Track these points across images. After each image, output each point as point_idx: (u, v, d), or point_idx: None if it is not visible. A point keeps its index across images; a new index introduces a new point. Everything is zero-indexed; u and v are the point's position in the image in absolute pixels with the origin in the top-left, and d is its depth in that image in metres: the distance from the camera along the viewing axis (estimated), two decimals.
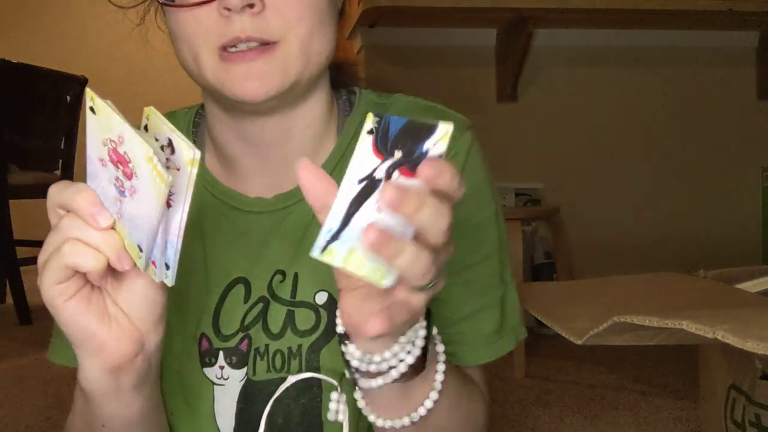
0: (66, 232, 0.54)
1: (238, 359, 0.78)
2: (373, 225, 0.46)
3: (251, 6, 0.67)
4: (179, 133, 0.50)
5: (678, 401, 2.16)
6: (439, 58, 3.10)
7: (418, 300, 0.52)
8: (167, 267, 0.53)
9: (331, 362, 0.76)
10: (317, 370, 0.76)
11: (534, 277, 3.02)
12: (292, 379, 0.78)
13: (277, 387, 0.75)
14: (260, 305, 0.79)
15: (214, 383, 0.78)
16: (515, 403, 2.17)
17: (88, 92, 0.52)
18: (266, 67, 0.69)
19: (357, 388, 0.64)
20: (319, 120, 0.80)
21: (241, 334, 0.78)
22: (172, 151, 0.50)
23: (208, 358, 0.78)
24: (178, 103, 0.75)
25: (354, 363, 0.60)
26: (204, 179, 0.81)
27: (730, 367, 1.12)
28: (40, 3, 5.02)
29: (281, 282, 0.79)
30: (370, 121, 0.49)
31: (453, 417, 0.70)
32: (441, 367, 0.64)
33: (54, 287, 0.55)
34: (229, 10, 0.67)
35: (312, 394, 0.77)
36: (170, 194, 0.51)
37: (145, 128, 0.52)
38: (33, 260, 3.37)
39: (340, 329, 0.60)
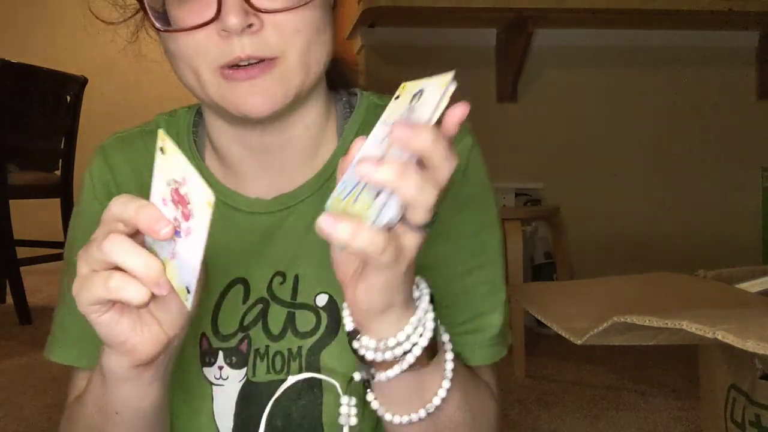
0: (111, 254, 0.54)
1: (237, 360, 0.78)
2: (363, 158, 0.50)
3: (249, 26, 0.67)
4: (196, 174, 0.51)
5: (678, 401, 2.17)
6: (439, 58, 3.10)
7: (411, 240, 0.54)
8: (188, 291, 0.55)
9: (331, 364, 0.76)
10: (317, 371, 0.76)
11: (534, 277, 3.02)
12: (292, 380, 0.78)
13: (276, 388, 0.75)
14: (259, 306, 0.79)
15: (212, 383, 0.78)
16: (515, 403, 2.17)
17: (160, 134, 0.54)
18: (268, 82, 0.69)
19: (369, 390, 0.66)
20: (318, 121, 0.80)
21: (240, 335, 0.78)
22: (188, 188, 0.52)
23: (207, 358, 0.79)
24: (176, 98, 0.75)
25: (369, 355, 0.61)
26: (204, 179, 0.81)
27: (730, 367, 1.12)
28: (40, 3, 5.02)
29: (281, 284, 0.79)
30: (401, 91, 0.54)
31: (465, 411, 0.71)
32: (449, 355, 0.66)
33: (90, 306, 0.56)
34: (227, 31, 0.67)
35: (312, 396, 0.77)
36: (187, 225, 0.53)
37: (161, 150, 0.54)
38: (33, 260, 3.38)
39: (349, 326, 0.62)
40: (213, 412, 0.78)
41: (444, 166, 0.51)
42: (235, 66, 0.69)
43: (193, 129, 0.85)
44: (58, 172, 3.60)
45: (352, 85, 0.86)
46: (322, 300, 0.78)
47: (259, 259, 0.79)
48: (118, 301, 0.55)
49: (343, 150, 0.80)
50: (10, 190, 3.24)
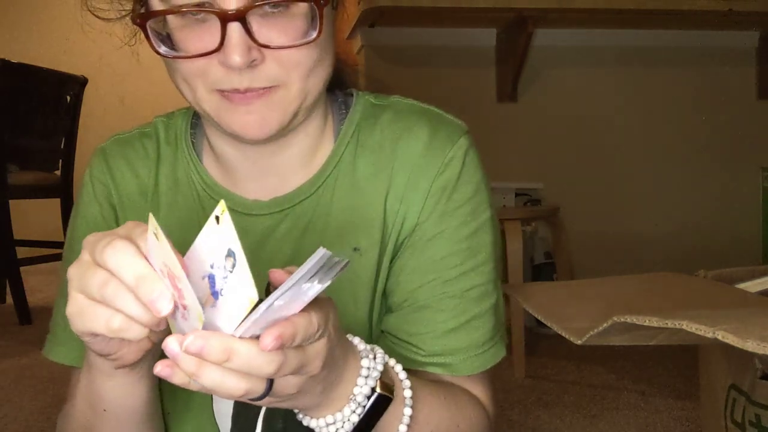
0: (112, 302, 0.51)
1: None
2: (175, 337, 0.48)
3: (252, 61, 0.66)
4: (246, 267, 0.48)
5: (678, 401, 2.16)
6: (439, 58, 3.10)
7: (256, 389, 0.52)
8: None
9: None
10: None
11: (534, 277, 3.02)
12: None
13: None
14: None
15: None
16: (515, 404, 2.17)
17: (154, 223, 0.50)
18: (265, 108, 0.69)
19: None
20: (316, 127, 0.80)
21: None
22: (233, 267, 0.49)
23: None
24: (176, 98, 0.75)
25: (305, 421, 0.63)
26: (202, 181, 0.81)
27: (730, 367, 1.12)
28: (40, 3, 5.02)
29: None
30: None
31: (445, 425, 0.72)
32: (403, 428, 0.67)
33: (84, 333, 0.55)
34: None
35: None
36: (218, 293, 0.50)
37: (216, 219, 0.50)
38: (33, 260, 3.38)
39: None
40: (213, 412, 0.78)
41: (252, 371, 0.50)
42: (233, 90, 0.68)
43: (191, 131, 0.85)
44: (58, 172, 3.60)
45: (351, 86, 0.86)
46: None
47: (256, 261, 0.79)
48: (117, 337, 0.53)
49: (337, 154, 0.80)
50: (10, 190, 3.24)
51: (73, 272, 0.54)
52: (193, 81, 0.70)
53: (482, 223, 0.79)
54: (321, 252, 0.47)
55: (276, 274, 0.52)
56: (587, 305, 1.04)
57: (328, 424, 0.62)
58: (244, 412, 0.78)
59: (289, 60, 0.68)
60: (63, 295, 0.82)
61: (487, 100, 3.16)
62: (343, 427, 0.62)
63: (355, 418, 0.62)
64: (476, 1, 2.80)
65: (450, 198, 0.77)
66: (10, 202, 3.26)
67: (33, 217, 4.05)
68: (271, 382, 0.52)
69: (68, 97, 3.57)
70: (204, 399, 0.79)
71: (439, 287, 0.76)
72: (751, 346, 0.70)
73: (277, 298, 0.47)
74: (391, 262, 0.78)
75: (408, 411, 0.67)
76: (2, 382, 2.47)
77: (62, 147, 3.58)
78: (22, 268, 3.27)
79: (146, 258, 0.52)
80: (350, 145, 0.80)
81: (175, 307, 0.50)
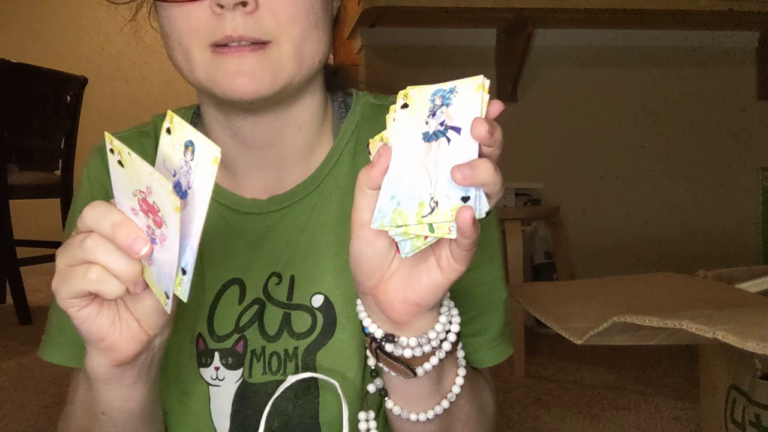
0: (92, 254, 0.54)
1: (233, 360, 0.78)
2: (458, 166, 0.50)
3: (244, 5, 0.66)
4: (201, 134, 0.51)
5: (678, 401, 2.17)
6: (439, 58, 3.10)
7: (459, 258, 0.54)
8: (184, 272, 0.54)
9: (328, 364, 0.76)
10: (314, 372, 0.76)
11: (534, 277, 3.02)
12: (291, 379, 0.78)
13: (273, 389, 0.75)
14: (255, 307, 0.79)
15: (209, 384, 0.78)
16: (515, 403, 2.17)
17: (115, 146, 0.53)
18: (258, 65, 0.69)
19: (387, 398, 0.67)
20: (312, 122, 0.80)
21: (236, 335, 0.78)
22: (192, 153, 0.51)
23: (204, 358, 0.78)
24: (176, 98, 0.75)
25: (407, 353, 0.61)
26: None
27: (730, 367, 1.12)
28: (40, 3, 5.02)
29: (277, 284, 0.79)
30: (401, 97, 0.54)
31: (473, 403, 0.72)
32: (459, 344, 0.67)
33: (69, 300, 0.56)
34: (221, 7, 0.67)
35: (309, 396, 0.77)
36: (186, 192, 0.52)
37: (168, 131, 0.53)
38: (33, 260, 3.38)
39: (378, 333, 0.62)
40: (210, 413, 0.78)
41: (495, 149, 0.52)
42: (225, 45, 0.68)
43: None
44: (58, 172, 3.60)
45: (351, 86, 0.86)
46: (317, 301, 0.78)
47: (255, 259, 0.79)
48: (96, 293, 0.55)
49: (337, 152, 0.80)
50: (10, 190, 3.24)
51: (59, 249, 0.57)
52: (185, 39, 0.70)
53: (486, 219, 0.79)
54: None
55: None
56: (587, 305, 1.04)
57: (443, 326, 0.61)
58: (242, 410, 0.78)
59: (283, 11, 0.68)
60: None
61: None
62: (452, 324, 0.62)
63: (457, 319, 0.62)
64: (476, 1, 2.80)
65: None
66: (10, 202, 3.26)
67: (33, 217, 4.05)
68: None
69: (68, 97, 3.57)
70: (201, 400, 0.79)
71: None
72: (751, 346, 0.70)
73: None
74: None
75: (462, 371, 0.67)
76: (2, 382, 2.48)
77: (62, 147, 3.59)
78: (22, 268, 3.27)
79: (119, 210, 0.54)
80: (349, 145, 0.80)
81: (151, 249, 0.53)
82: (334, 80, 0.84)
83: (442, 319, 0.61)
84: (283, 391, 0.71)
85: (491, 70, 3.17)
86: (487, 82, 0.51)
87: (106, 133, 0.53)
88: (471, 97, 0.51)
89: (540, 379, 2.41)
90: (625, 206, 3.23)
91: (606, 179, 3.22)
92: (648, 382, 2.35)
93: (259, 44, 0.68)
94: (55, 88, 3.51)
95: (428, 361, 0.62)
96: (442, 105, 0.52)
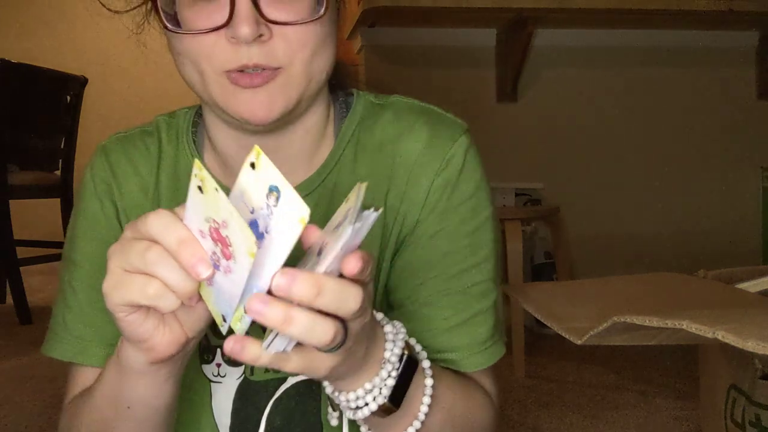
0: (152, 267, 0.53)
1: None
2: (257, 294, 0.49)
3: (260, 36, 0.67)
4: (291, 187, 0.50)
5: (678, 401, 2.17)
6: (439, 58, 3.10)
7: (321, 360, 0.54)
8: (245, 311, 0.53)
9: None
10: None
11: (534, 277, 3.02)
12: (292, 380, 0.78)
13: (275, 387, 0.75)
14: None
15: (211, 380, 0.79)
16: (515, 403, 2.17)
17: (202, 176, 0.51)
18: (271, 91, 0.70)
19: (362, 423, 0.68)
20: (317, 125, 0.80)
21: None
22: (277, 200, 0.50)
23: (206, 355, 0.79)
24: (176, 98, 0.75)
25: (352, 405, 0.63)
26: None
27: (730, 367, 1.12)
28: (40, 3, 5.02)
29: None
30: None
31: (452, 425, 0.72)
32: (426, 399, 0.67)
33: (120, 306, 0.56)
34: (237, 39, 0.67)
35: (312, 394, 0.77)
36: (263, 234, 0.50)
37: (252, 165, 0.52)
38: (33, 260, 3.38)
39: (328, 389, 0.65)
40: (212, 409, 0.79)
41: (340, 308, 0.51)
42: (240, 71, 0.69)
43: (192, 129, 0.85)
44: (58, 172, 3.60)
45: (351, 86, 0.86)
46: None
47: None
48: (151, 306, 0.55)
49: (337, 153, 0.80)
50: (10, 190, 3.24)
51: (114, 249, 0.56)
52: (201, 64, 0.70)
53: (483, 220, 0.79)
54: (361, 187, 0.50)
55: (311, 233, 0.53)
56: (587, 305, 1.04)
57: (366, 392, 0.62)
58: (243, 407, 0.78)
59: (296, 39, 0.69)
60: (63, 291, 0.82)
61: (486, 100, 3.16)
62: (380, 393, 0.62)
63: (391, 382, 0.63)
64: (476, 1, 2.80)
65: (451, 196, 0.77)
66: (10, 202, 3.26)
67: (33, 217, 4.05)
68: (345, 335, 0.53)
69: (68, 97, 3.57)
70: (203, 396, 0.79)
71: (440, 284, 0.77)
72: (751, 346, 0.70)
73: (346, 238, 0.48)
74: (392, 259, 0.79)
75: (429, 381, 0.67)
76: (2, 382, 2.47)
77: (62, 147, 3.58)
78: (22, 268, 3.27)
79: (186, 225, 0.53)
80: (350, 144, 0.81)
81: (213, 273, 0.52)
82: (334, 79, 0.84)
83: (359, 391, 0.62)
84: (285, 390, 0.71)
85: (491, 70, 3.17)
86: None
87: (196, 161, 0.52)
88: (340, 241, 0.49)
89: (540, 379, 2.41)
90: (625, 206, 3.23)
91: (606, 179, 3.22)
92: (648, 382, 2.35)
93: (271, 70, 0.69)
94: (55, 88, 3.50)
95: (353, 411, 0.63)
96: (347, 221, 0.50)
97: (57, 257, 3.47)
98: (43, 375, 2.49)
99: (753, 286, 1.23)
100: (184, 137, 0.84)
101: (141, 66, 4.40)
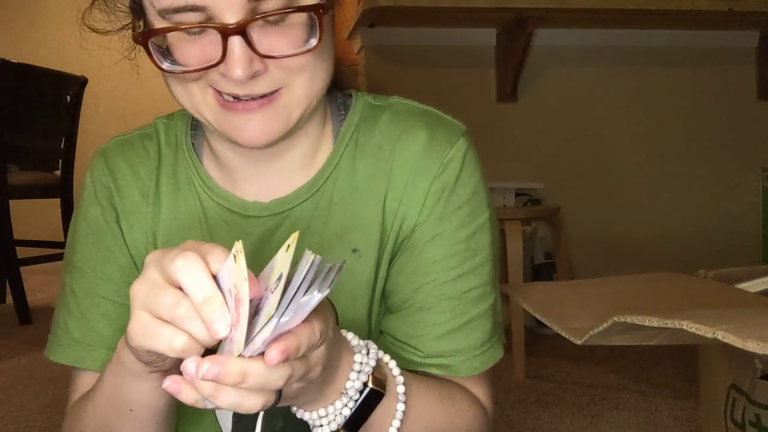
0: (181, 323, 0.53)
1: None
2: (195, 359, 0.51)
3: (255, 72, 0.66)
4: (281, 288, 0.51)
5: (678, 401, 2.17)
6: (439, 58, 3.10)
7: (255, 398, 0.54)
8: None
9: None
10: None
11: (534, 277, 3.02)
12: None
13: None
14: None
15: None
16: (515, 403, 2.17)
17: (238, 251, 0.53)
18: (269, 115, 0.69)
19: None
20: (317, 128, 0.80)
21: None
22: (275, 288, 0.52)
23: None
24: (173, 99, 0.75)
25: (299, 414, 0.65)
26: (203, 182, 0.81)
27: (730, 367, 1.12)
28: (40, 3, 5.02)
29: (277, 287, 0.78)
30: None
31: (434, 416, 0.73)
32: (396, 423, 0.68)
33: (144, 351, 0.56)
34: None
35: None
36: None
37: (288, 247, 0.54)
38: (33, 260, 3.38)
39: (299, 413, 0.66)
40: (214, 410, 0.79)
41: (265, 387, 0.52)
42: (232, 94, 0.68)
43: (191, 132, 0.84)
44: (58, 172, 3.60)
45: (350, 87, 0.86)
46: None
47: (256, 263, 0.79)
48: (175, 355, 0.54)
49: (336, 155, 0.80)
50: (10, 190, 3.24)
51: (139, 289, 0.55)
52: (191, 87, 0.70)
53: (481, 224, 0.79)
54: (310, 257, 0.50)
55: (252, 288, 0.52)
56: (587, 305, 1.04)
57: (320, 417, 0.64)
58: None
59: (292, 65, 0.68)
60: (64, 296, 0.82)
61: (486, 100, 3.16)
62: (335, 420, 0.64)
63: (347, 412, 0.64)
64: (476, 1, 2.79)
65: (449, 199, 0.77)
66: (10, 202, 3.26)
67: (33, 217, 4.05)
68: (280, 391, 0.54)
69: (68, 97, 3.57)
70: None
71: (437, 289, 0.76)
72: (751, 346, 0.70)
73: (281, 316, 0.50)
74: (389, 263, 0.79)
75: (401, 407, 0.68)
76: (2, 382, 2.48)
77: (62, 147, 3.58)
78: (22, 268, 3.27)
79: (214, 277, 0.54)
80: (349, 147, 0.80)
81: (228, 336, 0.52)
82: (332, 79, 0.84)
83: (313, 414, 0.64)
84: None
85: (491, 70, 3.17)
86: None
87: (240, 241, 0.53)
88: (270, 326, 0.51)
89: (540, 379, 2.41)
90: (625, 206, 3.23)
91: (606, 179, 3.22)
92: (648, 382, 2.35)
93: (268, 95, 0.68)
94: (55, 88, 3.50)
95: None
96: (279, 284, 0.51)
97: (57, 257, 3.47)
98: (43, 375, 2.49)
99: (753, 286, 1.23)
100: (183, 140, 0.83)
101: (141, 65, 4.40)
